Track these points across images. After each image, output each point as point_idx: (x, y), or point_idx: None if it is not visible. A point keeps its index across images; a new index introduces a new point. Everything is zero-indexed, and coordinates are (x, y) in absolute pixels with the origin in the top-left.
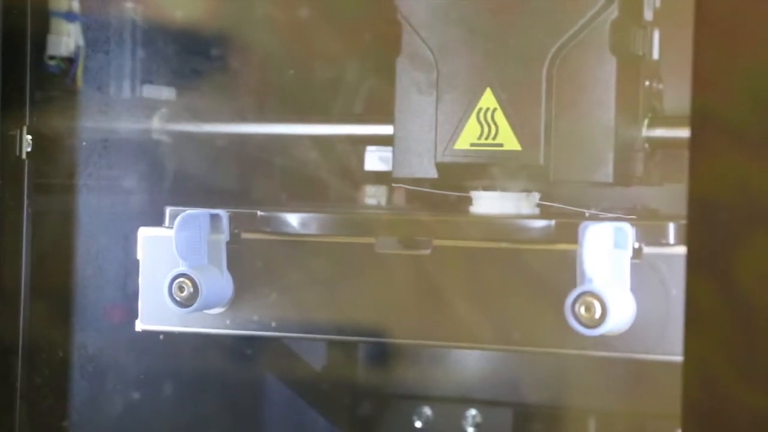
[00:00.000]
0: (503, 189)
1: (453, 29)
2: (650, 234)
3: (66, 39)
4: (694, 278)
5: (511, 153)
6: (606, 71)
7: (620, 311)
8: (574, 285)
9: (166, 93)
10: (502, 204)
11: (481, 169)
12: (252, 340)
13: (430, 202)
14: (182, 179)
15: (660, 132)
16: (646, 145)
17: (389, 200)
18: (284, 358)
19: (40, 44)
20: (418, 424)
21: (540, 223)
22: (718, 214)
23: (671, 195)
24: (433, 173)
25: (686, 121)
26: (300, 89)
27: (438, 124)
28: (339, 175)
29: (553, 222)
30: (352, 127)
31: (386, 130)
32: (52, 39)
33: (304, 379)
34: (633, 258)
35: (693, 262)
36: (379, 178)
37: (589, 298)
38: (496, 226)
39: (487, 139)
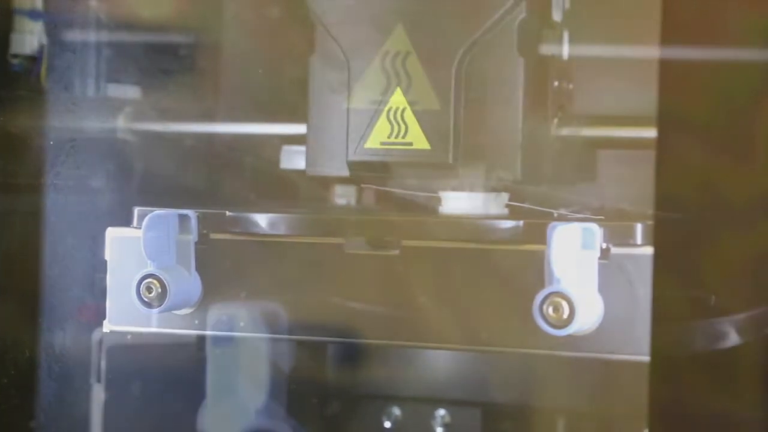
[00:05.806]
0: (418, 188)
1: (364, 29)
2: (618, 234)
3: (29, 37)
4: (660, 278)
5: (421, 152)
6: (514, 71)
7: (588, 311)
8: (542, 285)
9: (131, 92)
10: (470, 204)
11: (392, 168)
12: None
13: (400, 203)
14: (150, 179)
15: (569, 131)
16: (556, 144)
17: (359, 200)
18: None
19: (3, 42)
20: (387, 424)
21: (508, 224)
22: (685, 214)
23: (583, 194)
24: (345, 171)
25: (596, 120)
26: (268, 89)
27: (349, 123)
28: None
29: (521, 222)
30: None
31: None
32: (15, 37)
33: (271, 379)
34: (601, 258)
35: (660, 263)
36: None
37: (557, 299)
38: (464, 227)
39: (396, 137)
